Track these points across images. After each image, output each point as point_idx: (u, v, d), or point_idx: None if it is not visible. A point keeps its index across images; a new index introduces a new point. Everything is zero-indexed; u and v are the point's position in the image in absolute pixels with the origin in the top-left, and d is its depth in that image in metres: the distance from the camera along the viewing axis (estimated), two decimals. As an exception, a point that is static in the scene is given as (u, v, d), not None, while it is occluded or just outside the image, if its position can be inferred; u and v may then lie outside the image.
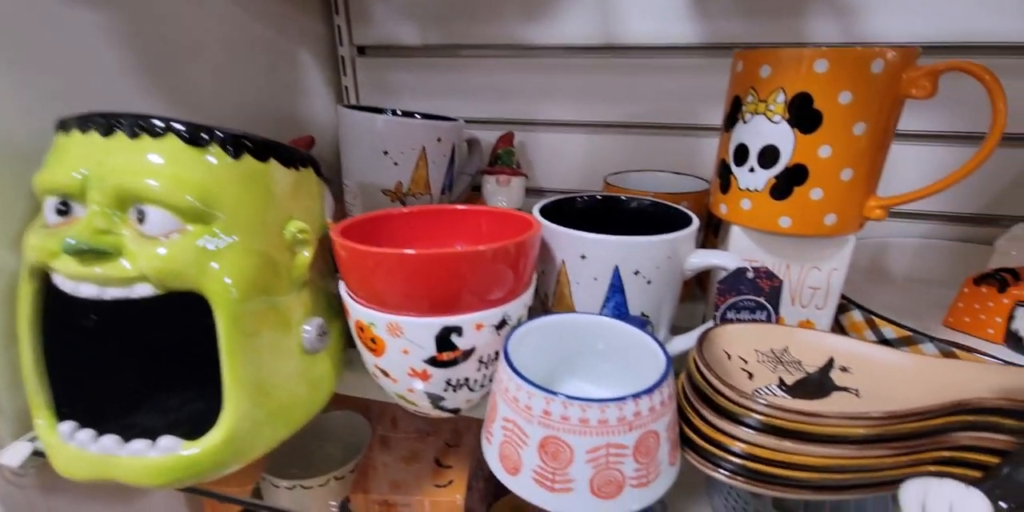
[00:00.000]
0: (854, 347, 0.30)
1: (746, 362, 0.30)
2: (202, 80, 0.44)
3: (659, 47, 0.51)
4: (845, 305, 0.38)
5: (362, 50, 0.58)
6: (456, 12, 0.54)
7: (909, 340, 0.34)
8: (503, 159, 0.51)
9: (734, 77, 0.34)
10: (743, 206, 0.34)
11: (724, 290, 0.34)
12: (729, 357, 0.30)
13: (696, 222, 0.35)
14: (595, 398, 0.23)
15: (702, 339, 0.29)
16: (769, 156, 0.32)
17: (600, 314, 0.34)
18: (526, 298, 0.31)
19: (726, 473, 0.25)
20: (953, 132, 0.48)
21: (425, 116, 0.50)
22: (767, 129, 0.32)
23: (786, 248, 0.35)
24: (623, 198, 0.39)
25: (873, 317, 0.36)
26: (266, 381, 0.28)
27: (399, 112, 0.49)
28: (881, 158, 0.32)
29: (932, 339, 0.33)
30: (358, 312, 0.29)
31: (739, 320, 0.34)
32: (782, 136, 0.31)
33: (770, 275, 0.33)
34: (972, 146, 0.48)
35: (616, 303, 0.34)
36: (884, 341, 0.35)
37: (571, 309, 0.35)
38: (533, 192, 0.59)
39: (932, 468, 0.24)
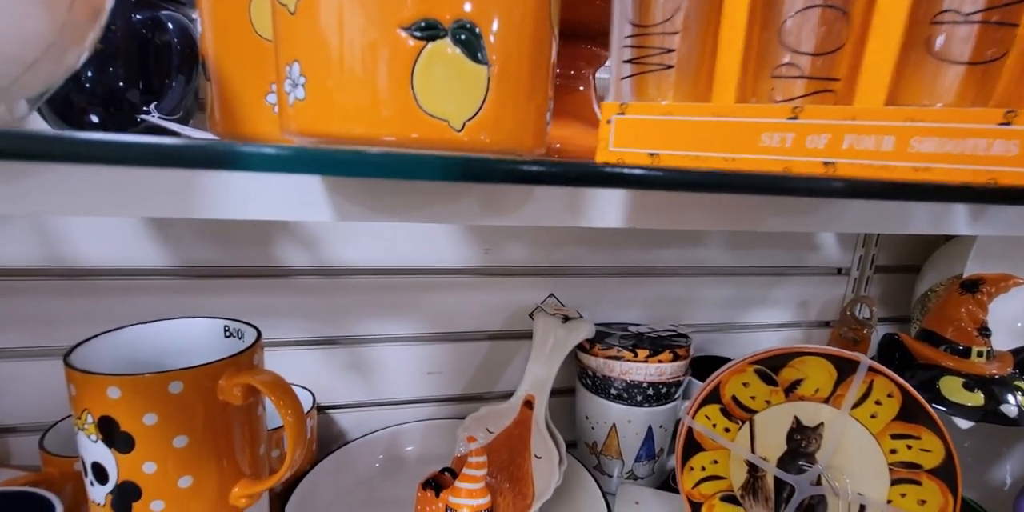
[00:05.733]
0: None
1: None
2: None
3: (120, 270, 0.47)
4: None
5: None
6: None
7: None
8: None
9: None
10: (97, 517, 0.31)
11: None
12: None
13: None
14: None
15: None
16: (100, 473, 0.30)
17: None
18: None
19: None
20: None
21: None
22: (90, 447, 0.29)
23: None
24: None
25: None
26: None
27: None
28: (242, 445, 0.33)
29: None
30: None
31: None
32: (103, 455, 0.29)
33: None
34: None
35: None
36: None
37: None
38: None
39: None
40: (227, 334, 0.37)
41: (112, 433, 0.29)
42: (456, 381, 0.59)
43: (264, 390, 0.31)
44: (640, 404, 0.52)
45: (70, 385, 0.29)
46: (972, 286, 0.50)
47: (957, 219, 0.34)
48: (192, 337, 0.37)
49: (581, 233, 0.58)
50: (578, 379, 0.56)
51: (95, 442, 0.29)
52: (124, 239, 0.46)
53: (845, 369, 0.42)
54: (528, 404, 0.52)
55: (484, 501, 0.45)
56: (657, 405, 0.52)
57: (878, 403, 0.42)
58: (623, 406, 0.52)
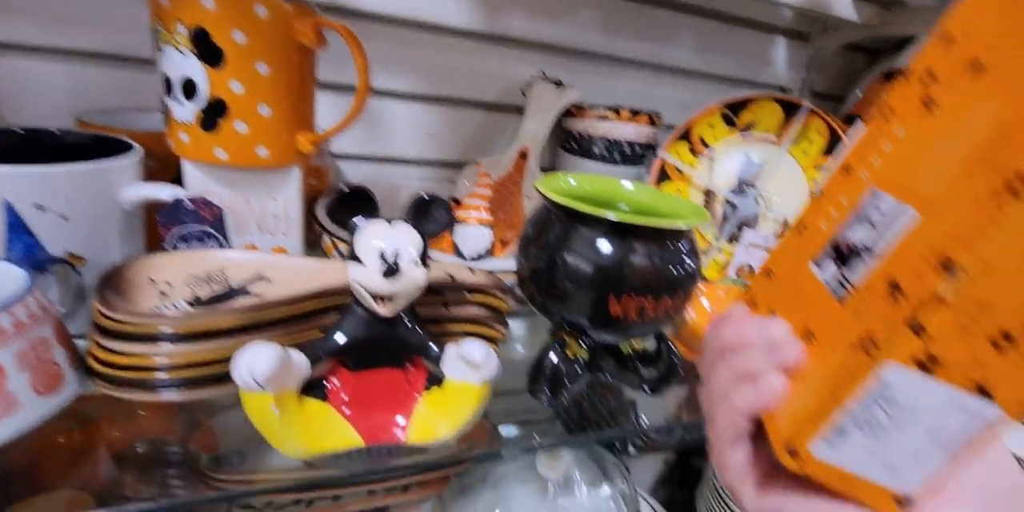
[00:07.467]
0: (282, 262, 0.35)
1: (170, 285, 0.31)
2: None
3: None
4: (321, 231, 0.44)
5: None
6: None
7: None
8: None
9: (149, 4, 0.33)
10: (183, 140, 0.35)
11: (166, 222, 0.34)
12: (154, 282, 0.31)
13: (135, 153, 0.34)
14: None
15: (109, 273, 0.29)
16: (189, 89, 0.33)
17: (8, 258, 0.30)
18: None
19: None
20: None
21: None
22: (180, 62, 0.33)
23: (238, 181, 0.38)
24: (54, 131, 0.35)
25: (334, 240, 0.42)
26: None
27: None
28: (302, 99, 0.37)
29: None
30: None
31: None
32: (194, 69, 0.33)
33: (208, 204, 0.35)
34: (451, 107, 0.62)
35: (26, 244, 0.30)
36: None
37: (-32, 257, 0.30)
38: None
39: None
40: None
41: (205, 45, 0.32)
42: (452, 146, 0.65)
43: (338, 30, 0.35)
44: (617, 163, 0.61)
45: (159, -4, 0.31)
46: (895, 73, 0.61)
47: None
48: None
49: (576, 9, 0.62)
50: (561, 147, 0.64)
51: (186, 56, 0.32)
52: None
53: (791, 112, 0.52)
54: (523, 155, 0.59)
55: (487, 216, 0.53)
56: (631, 166, 0.61)
57: (810, 141, 0.53)
58: (603, 165, 0.61)
